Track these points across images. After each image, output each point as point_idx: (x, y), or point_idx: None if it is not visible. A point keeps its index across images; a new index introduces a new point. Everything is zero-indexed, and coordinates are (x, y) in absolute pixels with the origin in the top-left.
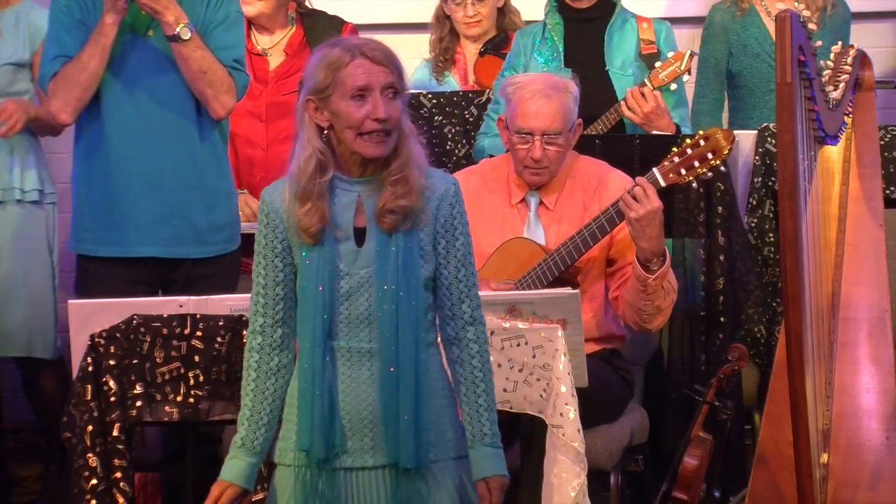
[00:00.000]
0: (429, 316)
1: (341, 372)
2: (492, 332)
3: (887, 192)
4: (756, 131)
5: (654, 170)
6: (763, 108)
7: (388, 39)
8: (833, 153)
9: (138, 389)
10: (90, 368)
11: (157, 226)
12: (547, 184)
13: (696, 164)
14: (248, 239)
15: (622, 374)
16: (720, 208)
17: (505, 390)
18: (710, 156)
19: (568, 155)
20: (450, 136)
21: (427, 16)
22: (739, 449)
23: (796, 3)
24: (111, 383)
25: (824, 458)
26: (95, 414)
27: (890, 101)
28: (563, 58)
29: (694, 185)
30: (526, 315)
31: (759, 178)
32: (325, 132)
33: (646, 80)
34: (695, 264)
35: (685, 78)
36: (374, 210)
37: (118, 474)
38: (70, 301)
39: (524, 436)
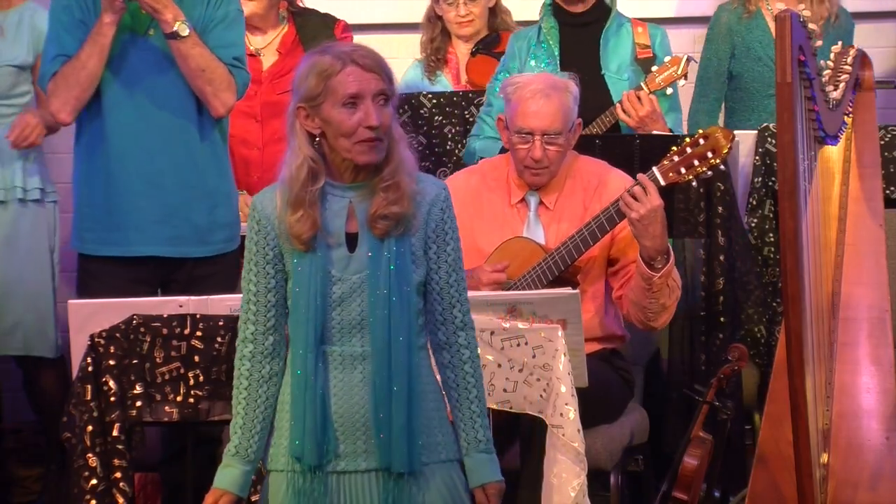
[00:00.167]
0: (419, 320)
1: (333, 376)
2: (492, 332)
3: (887, 192)
4: (756, 131)
5: (654, 168)
6: (762, 112)
7: (379, 39)
8: (833, 153)
9: (138, 389)
10: (90, 368)
11: (158, 226)
12: (547, 183)
13: (696, 162)
14: None
15: (622, 374)
16: (720, 208)
17: (505, 390)
18: (709, 154)
19: (568, 155)
20: (450, 136)
21: (419, 16)
22: (739, 449)
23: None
24: (111, 383)
25: (824, 458)
26: (95, 414)
27: (890, 101)
28: (558, 62)
29: (694, 184)
30: (526, 315)
31: (759, 178)
32: (317, 139)
33: (642, 84)
34: (695, 264)
35: (681, 83)
36: (366, 216)
37: (118, 474)
38: (70, 301)
39: (524, 436)
